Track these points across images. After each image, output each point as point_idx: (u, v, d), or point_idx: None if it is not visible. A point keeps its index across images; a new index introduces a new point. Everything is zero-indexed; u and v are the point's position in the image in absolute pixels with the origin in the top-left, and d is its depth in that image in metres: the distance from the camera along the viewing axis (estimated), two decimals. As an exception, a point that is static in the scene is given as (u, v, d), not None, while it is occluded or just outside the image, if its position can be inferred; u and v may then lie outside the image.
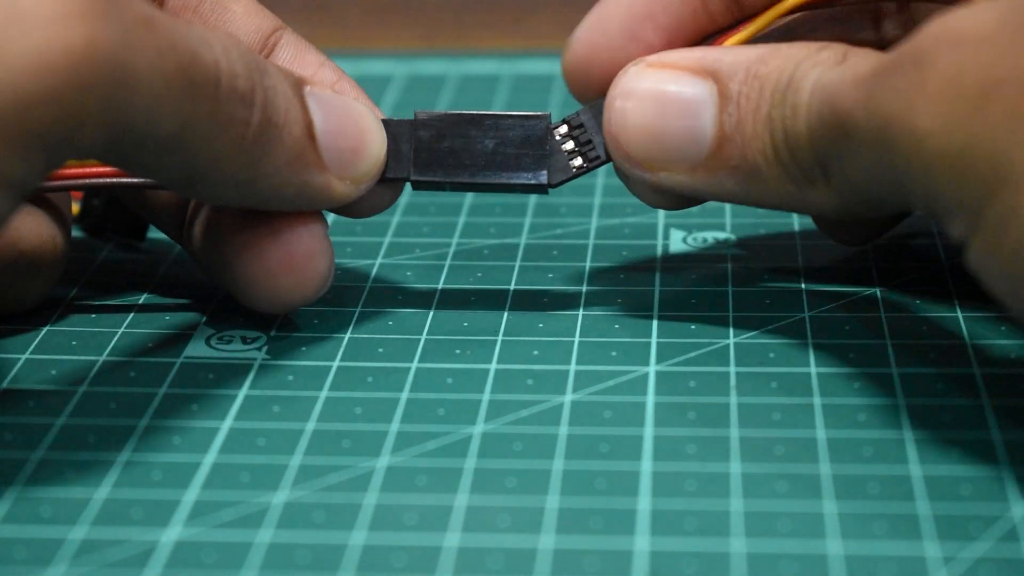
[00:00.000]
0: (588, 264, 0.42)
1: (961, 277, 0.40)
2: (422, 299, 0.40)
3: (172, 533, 0.31)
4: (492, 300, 0.40)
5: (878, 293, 0.39)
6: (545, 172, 0.38)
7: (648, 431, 0.34)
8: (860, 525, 0.31)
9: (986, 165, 0.30)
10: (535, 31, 0.65)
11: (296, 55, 0.39)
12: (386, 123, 0.38)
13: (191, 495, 0.32)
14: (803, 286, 0.40)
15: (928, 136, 0.31)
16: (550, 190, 0.38)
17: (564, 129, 0.38)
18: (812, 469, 0.32)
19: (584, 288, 0.40)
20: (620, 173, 0.38)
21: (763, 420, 0.34)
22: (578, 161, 0.38)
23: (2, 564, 0.30)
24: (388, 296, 0.40)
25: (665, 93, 0.36)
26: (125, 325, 0.39)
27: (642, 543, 0.30)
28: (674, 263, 0.42)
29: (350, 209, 0.38)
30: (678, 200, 0.38)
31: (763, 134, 0.35)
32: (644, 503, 0.32)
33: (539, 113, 0.38)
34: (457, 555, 0.30)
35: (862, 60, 0.33)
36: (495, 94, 0.55)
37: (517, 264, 0.42)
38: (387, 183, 0.38)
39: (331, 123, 0.36)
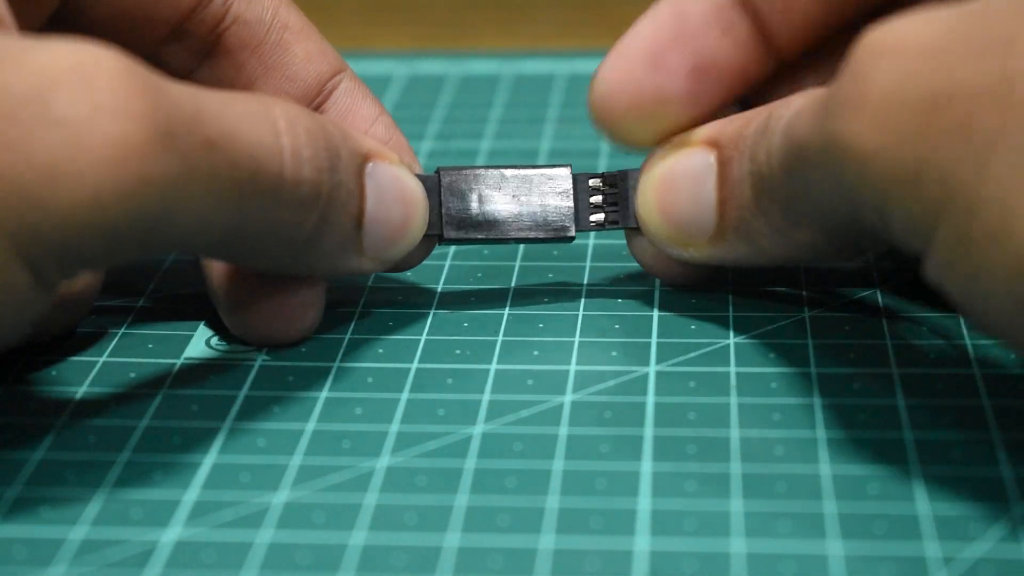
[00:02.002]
0: (588, 264, 0.42)
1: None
2: (422, 299, 0.40)
3: (172, 533, 0.31)
4: (492, 300, 0.40)
5: (878, 293, 0.39)
6: (571, 224, 0.38)
7: (648, 431, 0.34)
8: (860, 526, 0.31)
9: (934, 186, 0.29)
10: (535, 31, 0.65)
11: (351, 106, 0.39)
12: None
13: (191, 495, 0.32)
14: (803, 286, 0.40)
15: (873, 156, 0.29)
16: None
17: (597, 182, 0.38)
18: (812, 469, 0.32)
19: (584, 288, 0.40)
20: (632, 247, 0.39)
21: (763, 420, 0.34)
22: (599, 217, 0.39)
23: (2, 564, 0.30)
24: (388, 296, 0.40)
25: (674, 171, 0.37)
26: (125, 325, 0.39)
27: (642, 543, 0.30)
28: (674, 263, 0.42)
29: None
30: (688, 275, 0.39)
31: (746, 189, 0.35)
32: (644, 503, 0.32)
33: (561, 164, 0.39)
34: (457, 555, 0.30)
35: (821, 89, 0.32)
36: (495, 94, 0.55)
37: (517, 264, 0.42)
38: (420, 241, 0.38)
39: (380, 209, 0.36)
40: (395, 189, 0.36)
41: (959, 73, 0.29)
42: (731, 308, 0.39)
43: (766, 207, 0.35)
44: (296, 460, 0.33)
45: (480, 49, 0.61)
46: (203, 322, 0.39)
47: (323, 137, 0.34)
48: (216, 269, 0.37)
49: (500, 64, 0.58)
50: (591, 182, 0.39)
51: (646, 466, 0.33)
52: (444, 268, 0.41)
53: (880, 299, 0.39)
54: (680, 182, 0.37)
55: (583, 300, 0.40)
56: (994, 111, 0.28)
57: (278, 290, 0.37)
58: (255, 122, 0.33)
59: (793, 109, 0.33)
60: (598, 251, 0.42)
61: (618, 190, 0.38)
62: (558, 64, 0.57)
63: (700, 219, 0.36)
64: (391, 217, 0.36)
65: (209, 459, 0.33)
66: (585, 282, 0.41)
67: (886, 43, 0.29)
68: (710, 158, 0.36)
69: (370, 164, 0.36)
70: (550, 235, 0.38)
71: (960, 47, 0.29)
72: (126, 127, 0.30)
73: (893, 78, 0.29)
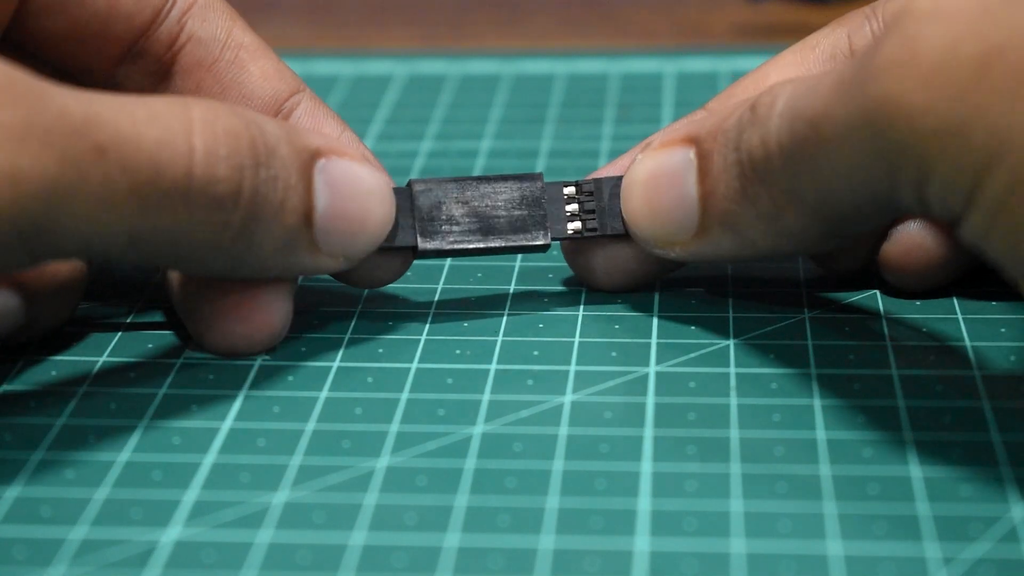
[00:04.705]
0: (588, 264, 0.42)
1: (961, 278, 0.39)
2: (422, 299, 0.40)
3: (172, 533, 0.31)
4: (492, 300, 0.40)
5: (878, 294, 0.39)
6: (545, 232, 0.38)
7: (648, 431, 0.34)
8: (860, 526, 0.31)
9: (984, 138, 0.29)
10: (535, 31, 0.65)
11: (313, 125, 0.38)
12: None
13: (191, 495, 0.32)
14: (803, 287, 0.40)
15: (923, 113, 0.30)
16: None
17: (572, 190, 0.38)
18: (812, 470, 0.32)
19: (584, 288, 0.40)
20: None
21: (763, 421, 0.34)
22: (576, 225, 0.38)
23: (2, 564, 0.30)
24: (388, 296, 0.40)
25: (656, 171, 0.37)
26: (125, 326, 0.39)
27: (642, 543, 0.30)
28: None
29: (357, 281, 0.38)
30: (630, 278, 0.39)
31: (732, 179, 0.35)
32: (644, 503, 0.32)
33: (533, 174, 0.38)
34: (457, 555, 0.30)
35: (838, 67, 0.33)
36: (495, 94, 0.55)
37: (517, 264, 0.42)
38: (395, 254, 0.38)
39: (335, 205, 0.35)
40: (350, 183, 0.36)
41: (1009, 26, 0.29)
42: (731, 309, 0.39)
43: (755, 194, 0.35)
44: (296, 460, 0.33)
45: (480, 49, 0.61)
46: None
47: (246, 135, 0.34)
48: (175, 279, 0.37)
49: (500, 64, 0.58)
50: (566, 190, 0.38)
51: (646, 466, 0.33)
52: (444, 268, 0.41)
53: (880, 300, 0.39)
54: (662, 181, 0.37)
55: (583, 300, 0.40)
56: None
57: (236, 294, 0.36)
58: (160, 124, 0.32)
59: (789, 91, 0.34)
60: (598, 251, 0.42)
61: (595, 198, 0.38)
62: (558, 64, 0.57)
63: (684, 215, 0.36)
64: (348, 212, 0.36)
65: (209, 459, 0.33)
66: (585, 282, 0.41)
67: (936, 6, 0.30)
68: (689, 154, 0.36)
69: (321, 160, 0.35)
70: (525, 244, 0.38)
71: (1012, 5, 0.30)
72: None
73: (946, 38, 0.30)
